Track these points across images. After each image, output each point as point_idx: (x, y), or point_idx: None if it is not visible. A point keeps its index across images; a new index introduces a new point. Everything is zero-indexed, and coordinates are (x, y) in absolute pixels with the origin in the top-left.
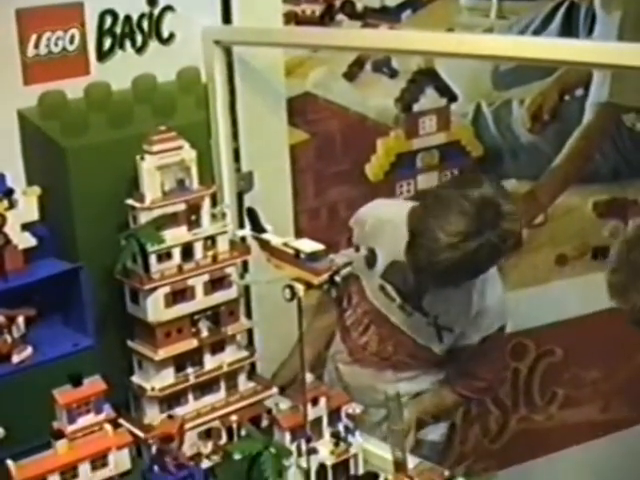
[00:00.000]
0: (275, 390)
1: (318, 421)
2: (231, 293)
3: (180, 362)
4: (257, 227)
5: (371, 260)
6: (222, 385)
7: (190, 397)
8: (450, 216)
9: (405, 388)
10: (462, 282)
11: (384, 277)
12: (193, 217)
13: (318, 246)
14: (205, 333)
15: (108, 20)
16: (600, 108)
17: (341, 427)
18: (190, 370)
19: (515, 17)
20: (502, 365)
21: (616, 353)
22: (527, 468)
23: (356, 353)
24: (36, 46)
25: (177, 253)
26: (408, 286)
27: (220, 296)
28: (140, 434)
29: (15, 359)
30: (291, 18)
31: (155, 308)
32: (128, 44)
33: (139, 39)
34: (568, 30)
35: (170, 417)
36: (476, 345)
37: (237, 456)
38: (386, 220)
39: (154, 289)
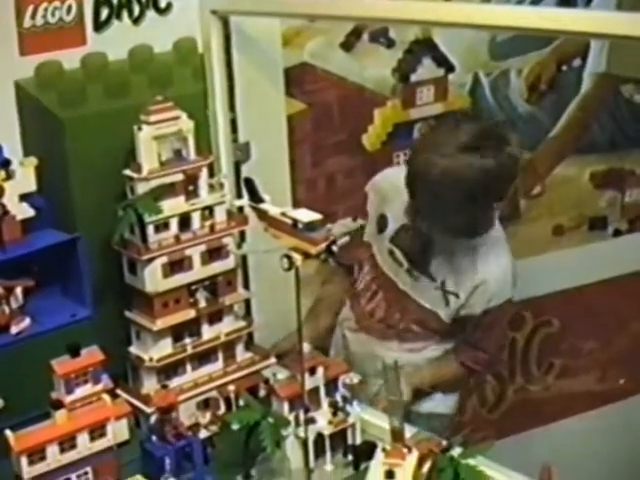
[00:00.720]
0: (273, 360)
1: (316, 391)
2: (229, 263)
3: (178, 332)
4: (255, 197)
5: (382, 225)
6: (220, 355)
7: (188, 367)
8: (457, 131)
9: (410, 359)
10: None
11: (393, 241)
12: (191, 187)
13: (316, 216)
14: (203, 303)
15: None
16: (598, 78)
17: (339, 397)
18: (188, 340)
19: None
20: (505, 339)
21: (613, 323)
22: (524, 438)
23: (363, 320)
24: (33, 17)
25: (175, 223)
26: (416, 250)
27: (218, 266)
28: (138, 404)
29: (13, 330)
30: None
31: (153, 278)
32: (125, 14)
33: (136, 9)
34: None
35: (164, 387)
36: (479, 315)
37: (235, 426)
38: (399, 186)
39: (152, 259)
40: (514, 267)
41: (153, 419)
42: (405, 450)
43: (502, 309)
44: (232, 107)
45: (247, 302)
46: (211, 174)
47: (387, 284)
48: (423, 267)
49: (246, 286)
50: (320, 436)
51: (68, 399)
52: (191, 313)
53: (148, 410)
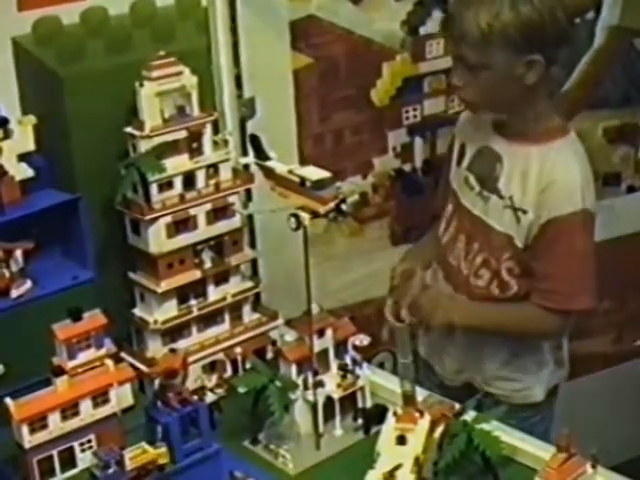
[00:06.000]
0: (280, 321)
1: (324, 353)
2: (234, 222)
3: (183, 294)
4: (261, 154)
5: (461, 155)
6: (226, 317)
7: (193, 329)
8: None
9: None
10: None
11: (469, 168)
12: (194, 145)
13: (324, 174)
14: (208, 264)
15: None
16: (611, 32)
17: (348, 359)
18: (193, 302)
19: None
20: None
21: (629, 282)
22: None
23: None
24: None
25: (179, 182)
26: (485, 169)
27: (223, 225)
28: (143, 368)
29: (14, 294)
30: None
31: (157, 239)
32: None
33: None
34: None
35: (172, 351)
36: (544, 224)
37: (242, 390)
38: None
39: (155, 219)
40: (586, 176)
41: (156, 384)
42: (417, 414)
43: (574, 222)
44: (237, 62)
45: (254, 262)
46: (215, 131)
47: (464, 214)
48: (492, 185)
49: (252, 245)
50: (329, 400)
51: (70, 365)
52: (196, 274)
53: (152, 374)
